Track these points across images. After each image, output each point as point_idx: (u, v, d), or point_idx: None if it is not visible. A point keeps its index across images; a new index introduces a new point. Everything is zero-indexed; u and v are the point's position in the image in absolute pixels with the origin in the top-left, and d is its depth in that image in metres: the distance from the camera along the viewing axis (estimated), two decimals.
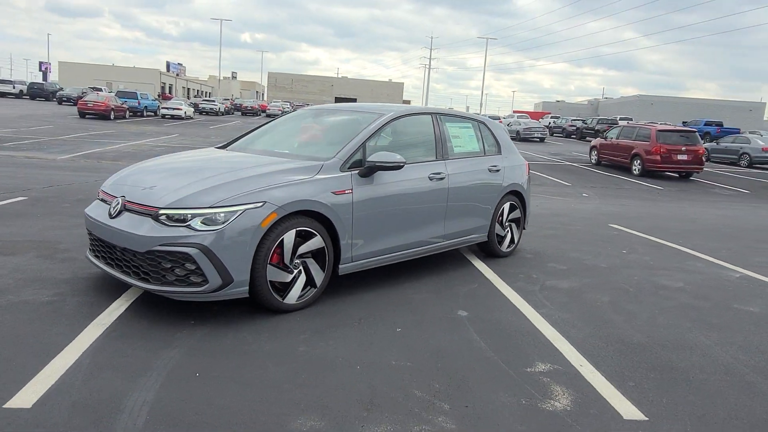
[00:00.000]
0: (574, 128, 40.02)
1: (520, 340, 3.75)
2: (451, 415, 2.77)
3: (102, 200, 4.20)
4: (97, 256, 4.11)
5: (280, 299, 3.86)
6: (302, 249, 3.93)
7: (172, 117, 34.32)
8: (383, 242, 4.51)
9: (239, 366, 3.14)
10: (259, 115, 52.90)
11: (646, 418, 2.85)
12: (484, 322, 4.03)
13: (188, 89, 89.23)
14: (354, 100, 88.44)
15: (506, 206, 5.86)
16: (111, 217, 3.84)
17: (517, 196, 6.01)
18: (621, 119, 41.45)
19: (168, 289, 3.59)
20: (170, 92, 76.82)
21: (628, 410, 2.92)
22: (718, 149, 25.28)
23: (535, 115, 56.96)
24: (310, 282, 4.04)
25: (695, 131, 18.33)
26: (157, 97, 50.46)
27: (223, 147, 5.26)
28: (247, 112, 51.68)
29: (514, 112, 60.38)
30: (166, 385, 2.87)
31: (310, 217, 3.94)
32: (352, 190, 4.19)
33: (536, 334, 3.88)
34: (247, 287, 3.68)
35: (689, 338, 3.98)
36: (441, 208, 5.01)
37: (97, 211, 4.10)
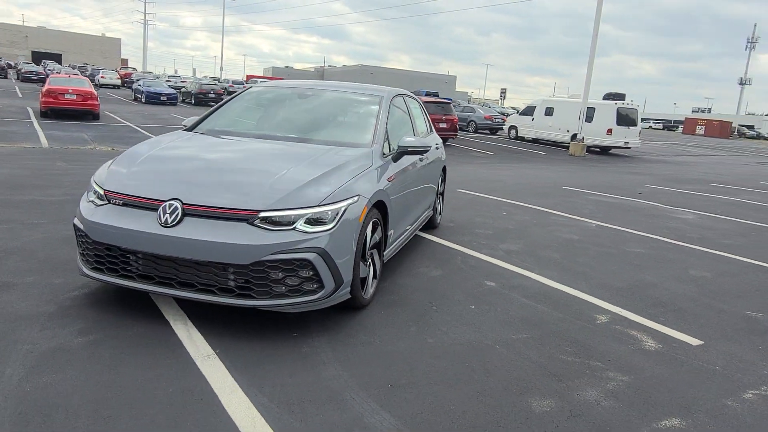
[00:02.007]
0: None
1: (560, 299, 4.35)
2: (612, 369, 3.24)
3: (123, 204, 3.29)
4: (127, 276, 3.24)
5: (363, 295, 3.69)
6: (372, 241, 3.80)
7: None
8: (401, 227, 4.56)
9: (408, 369, 3.03)
10: None
11: (703, 342, 3.78)
12: (515, 288, 4.52)
13: None
14: (59, 56, 74.89)
15: (439, 180, 6.33)
16: (167, 225, 3.09)
17: (443, 171, 6.53)
18: None
19: (278, 303, 3.13)
20: None
21: (688, 338, 3.80)
22: None
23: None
24: (374, 274, 3.93)
25: (450, 102, 21.39)
26: None
27: (190, 130, 4.48)
28: None
29: (249, 77, 58.75)
30: (384, 404, 2.65)
31: (376, 208, 3.81)
32: (395, 176, 4.15)
33: (560, 292, 4.53)
34: (350, 287, 3.44)
35: (642, 278, 5.15)
36: (424, 188, 5.23)
37: (119, 219, 3.21)
